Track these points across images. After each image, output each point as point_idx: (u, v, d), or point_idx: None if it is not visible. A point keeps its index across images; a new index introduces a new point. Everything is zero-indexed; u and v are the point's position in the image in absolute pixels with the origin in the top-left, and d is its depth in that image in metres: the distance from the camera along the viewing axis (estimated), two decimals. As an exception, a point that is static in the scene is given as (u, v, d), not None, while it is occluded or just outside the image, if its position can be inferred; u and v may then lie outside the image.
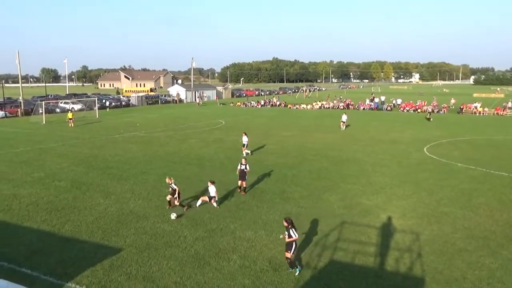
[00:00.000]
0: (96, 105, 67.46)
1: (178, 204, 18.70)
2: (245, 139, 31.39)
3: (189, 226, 16.74)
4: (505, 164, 27.70)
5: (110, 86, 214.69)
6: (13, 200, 20.24)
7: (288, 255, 12.77)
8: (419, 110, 69.54)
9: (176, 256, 14.08)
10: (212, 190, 18.87)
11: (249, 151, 31.39)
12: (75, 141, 37.86)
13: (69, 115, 51.28)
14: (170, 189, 18.74)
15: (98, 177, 24.67)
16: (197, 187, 22.02)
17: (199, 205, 19.01)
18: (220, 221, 17.33)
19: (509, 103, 70.54)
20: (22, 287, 2.14)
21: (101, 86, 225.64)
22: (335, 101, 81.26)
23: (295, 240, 12.75)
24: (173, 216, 17.41)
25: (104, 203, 19.81)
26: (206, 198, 19.02)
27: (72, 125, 48.92)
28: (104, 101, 79.78)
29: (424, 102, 75.16)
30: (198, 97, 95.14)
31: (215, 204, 18.93)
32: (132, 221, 17.40)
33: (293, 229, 12.72)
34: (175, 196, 18.65)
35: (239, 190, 21.33)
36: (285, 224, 12.87)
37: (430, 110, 65.76)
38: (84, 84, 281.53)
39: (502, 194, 21.05)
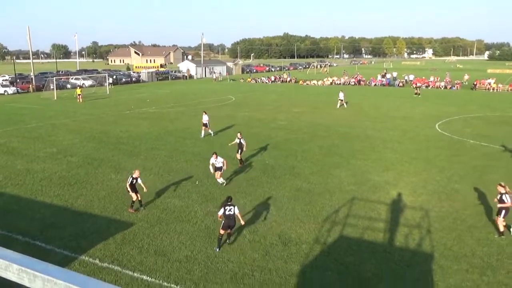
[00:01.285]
0: (107, 81, 67.54)
1: (137, 200, 16.15)
2: (205, 118, 29.04)
3: (199, 201, 16.90)
4: (518, 141, 27.35)
5: (120, 62, 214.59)
6: (26, 175, 20.55)
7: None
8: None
9: (187, 230, 14.26)
10: (219, 161, 18.52)
11: (211, 132, 29.34)
12: (86, 117, 38.10)
13: (78, 91, 51.52)
14: (132, 182, 16.03)
15: (109, 152, 24.89)
16: (208, 164, 22.09)
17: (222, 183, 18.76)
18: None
19: (524, 79, 69.19)
20: (36, 260, 2.18)
21: (111, 62, 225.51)
22: (346, 77, 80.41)
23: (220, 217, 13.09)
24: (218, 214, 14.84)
25: (116, 178, 20.03)
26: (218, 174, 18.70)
27: (81, 101, 49.13)
28: (114, 77, 79.78)
29: (437, 78, 74.05)
30: (213, 73, 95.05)
31: (220, 180, 18.67)
32: (143, 196, 17.56)
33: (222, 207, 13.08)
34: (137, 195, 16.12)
35: (240, 165, 21.94)
36: None
37: (419, 84, 64.80)
38: (95, 60, 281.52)
39: (514, 171, 20.87)
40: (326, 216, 15.51)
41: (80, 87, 57.35)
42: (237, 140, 22.08)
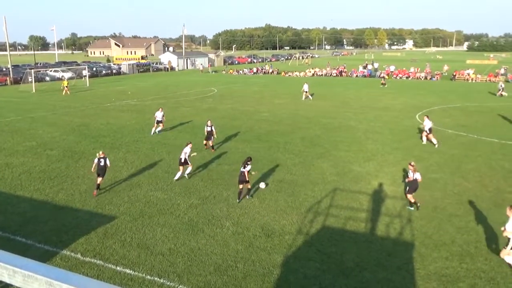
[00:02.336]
0: (87, 73, 66.46)
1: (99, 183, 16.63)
2: (159, 115, 27.32)
3: (182, 194, 16.85)
4: (495, 131, 27.93)
5: (100, 54, 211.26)
6: (5, 169, 20.19)
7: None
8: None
9: (170, 223, 14.23)
10: (185, 151, 18.10)
11: (159, 131, 27.40)
12: (66, 110, 37.53)
13: (65, 83, 50.78)
14: (98, 165, 16.45)
15: (90, 145, 24.59)
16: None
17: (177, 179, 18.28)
18: (213, 188, 17.45)
19: (502, 69, 70.44)
20: (15, 256, 2.13)
21: (91, 54, 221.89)
22: (328, 68, 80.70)
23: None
24: (262, 185, 16.92)
25: (97, 171, 19.78)
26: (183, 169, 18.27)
27: (68, 93, 48.51)
28: (94, 69, 78.49)
29: (418, 69, 74.84)
30: (200, 64, 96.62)
31: (185, 174, 18.41)
32: (126, 189, 17.48)
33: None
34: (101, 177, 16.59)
35: (206, 147, 23.46)
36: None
37: (385, 75, 65.81)
38: (74, 52, 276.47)
39: (492, 160, 21.30)
40: (309, 207, 15.63)
41: (68, 79, 56.45)
42: (207, 128, 23.09)
